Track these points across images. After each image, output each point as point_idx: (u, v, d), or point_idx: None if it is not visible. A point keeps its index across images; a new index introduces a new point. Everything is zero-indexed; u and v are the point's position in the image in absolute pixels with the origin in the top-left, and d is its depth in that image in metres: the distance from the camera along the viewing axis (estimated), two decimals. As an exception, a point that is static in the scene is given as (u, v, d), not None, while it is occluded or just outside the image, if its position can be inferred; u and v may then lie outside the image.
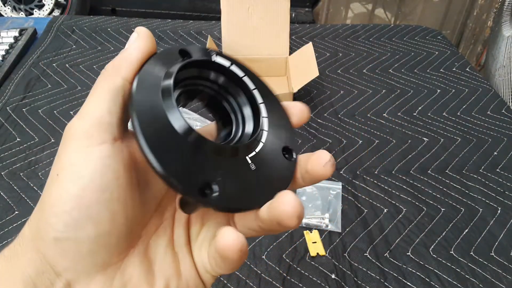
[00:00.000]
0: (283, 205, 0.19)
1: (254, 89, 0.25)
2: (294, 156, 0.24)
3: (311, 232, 0.57)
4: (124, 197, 0.20)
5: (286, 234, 0.57)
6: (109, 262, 0.20)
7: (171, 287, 0.21)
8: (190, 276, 0.22)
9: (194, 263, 0.23)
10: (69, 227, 0.18)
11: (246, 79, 0.24)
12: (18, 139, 0.71)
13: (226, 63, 0.24)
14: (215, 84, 0.25)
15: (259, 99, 0.24)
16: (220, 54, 0.25)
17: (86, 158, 0.19)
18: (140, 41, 0.21)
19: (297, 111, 0.25)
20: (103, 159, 0.19)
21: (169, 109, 0.20)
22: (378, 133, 0.77)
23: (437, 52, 1.04)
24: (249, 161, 0.22)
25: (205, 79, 0.25)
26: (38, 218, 0.19)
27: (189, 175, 0.20)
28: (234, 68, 0.24)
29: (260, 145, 0.23)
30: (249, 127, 0.24)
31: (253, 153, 0.22)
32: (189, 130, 0.20)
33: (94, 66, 0.92)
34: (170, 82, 0.21)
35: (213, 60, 0.24)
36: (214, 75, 0.24)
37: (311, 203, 0.61)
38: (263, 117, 0.24)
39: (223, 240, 0.19)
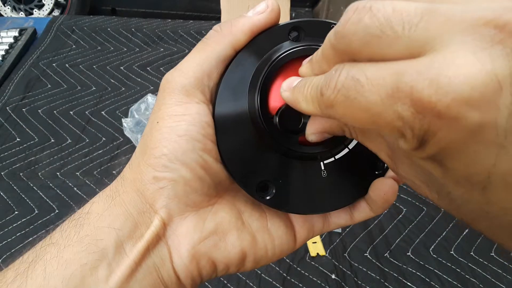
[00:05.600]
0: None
1: None
2: (382, 170, 0.21)
3: (311, 232, 0.57)
4: (215, 152, 0.21)
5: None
6: (200, 205, 0.22)
7: (257, 238, 0.22)
8: (278, 232, 0.23)
9: (291, 221, 0.23)
10: (167, 168, 0.20)
11: None
12: (18, 139, 0.71)
13: None
14: None
15: None
16: None
17: (185, 112, 0.20)
18: (266, 16, 0.21)
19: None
20: (200, 115, 0.21)
21: (251, 104, 0.20)
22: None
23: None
24: (322, 168, 0.21)
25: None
26: (139, 161, 0.21)
27: (250, 173, 0.21)
28: None
29: (345, 151, 0.21)
30: None
31: (331, 159, 0.21)
32: (263, 131, 0.20)
33: (94, 66, 0.91)
34: (257, 77, 0.20)
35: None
36: None
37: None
38: None
39: (382, 188, 0.22)
